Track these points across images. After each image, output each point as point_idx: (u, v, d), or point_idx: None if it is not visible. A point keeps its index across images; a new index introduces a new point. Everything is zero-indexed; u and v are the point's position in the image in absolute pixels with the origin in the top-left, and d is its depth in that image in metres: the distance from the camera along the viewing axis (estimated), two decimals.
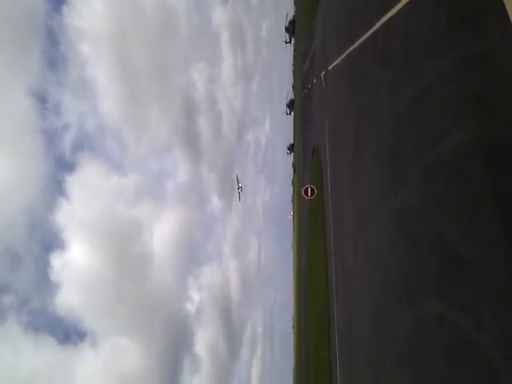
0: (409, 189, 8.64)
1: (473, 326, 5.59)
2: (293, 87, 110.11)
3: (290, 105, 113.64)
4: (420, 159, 7.96)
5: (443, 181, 6.91)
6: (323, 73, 30.20)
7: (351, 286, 15.26)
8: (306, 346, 40.34)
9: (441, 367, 6.51)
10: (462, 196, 6.20)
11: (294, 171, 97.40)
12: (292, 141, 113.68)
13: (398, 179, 9.37)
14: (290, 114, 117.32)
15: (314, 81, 39.65)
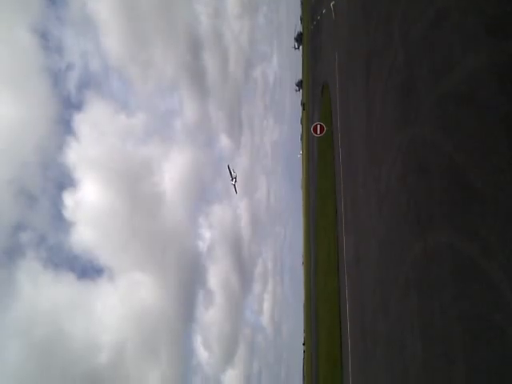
0: (420, 121, 8.53)
1: (481, 252, 5.71)
2: (301, 19, 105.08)
3: (299, 38, 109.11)
4: (433, 90, 7.77)
5: (455, 111, 6.80)
6: (333, 3, 28.75)
7: (360, 220, 15.49)
8: (315, 279, 41.71)
9: (448, 293, 6.73)
10: (474, 125, 6.14)
11: (303, 109, 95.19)
12: (301, 77, 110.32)
13: (409, 112, 9.21)
14: (299, 48, 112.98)
15: (324, 12, 37.82)
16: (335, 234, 23.44)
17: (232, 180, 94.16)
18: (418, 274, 8.27)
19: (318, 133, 27.32)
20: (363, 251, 14.86)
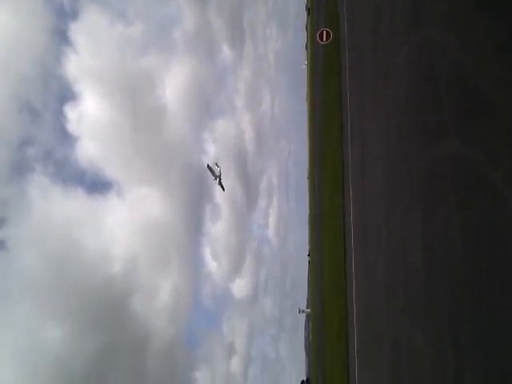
0: (432, 22, 8.05)
1: (487, 161, 5.62)
2: None
3: None
4: None
5: (468, 12, 6.38)
6: None
7: (367, 131, 15.11)
8: (320, 194, 42.20)
9: (452, 203, 6.70)
10: (487, 29, 5.76)
11: (308, 14, 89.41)
12: None
13: (420, 12, 8.70)
14: None
15: None
16: (340, 147, 23.10)
17: (216, 179, 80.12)
18: (423, 184, 8.19)
19: (324, 40, 25.81)
20: (369, 164, 14.68)
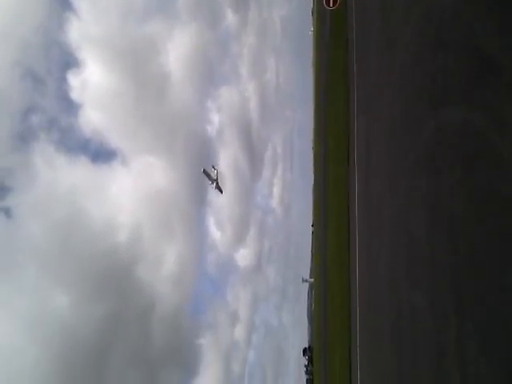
0: None
1: (494, 129, 5.54)
2: None
3: None
4: None
5: None
6: None
7: (373, 99, 14.79)
8: (325, 166, 41.98)
9: (455, 171, 6.66)
10: None
11: None
12: None
13: None
14: None
15: None
16: (346, 116, 22.76)
17: (212, 183, 76.21)
18: (427, 151, 8.08)
19: (331, 5, 24.98)
20: (375, 133, 14.46)
